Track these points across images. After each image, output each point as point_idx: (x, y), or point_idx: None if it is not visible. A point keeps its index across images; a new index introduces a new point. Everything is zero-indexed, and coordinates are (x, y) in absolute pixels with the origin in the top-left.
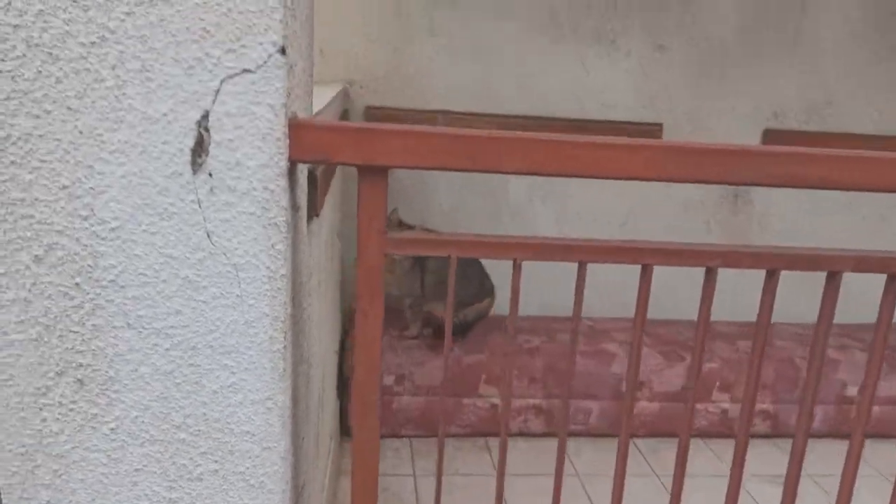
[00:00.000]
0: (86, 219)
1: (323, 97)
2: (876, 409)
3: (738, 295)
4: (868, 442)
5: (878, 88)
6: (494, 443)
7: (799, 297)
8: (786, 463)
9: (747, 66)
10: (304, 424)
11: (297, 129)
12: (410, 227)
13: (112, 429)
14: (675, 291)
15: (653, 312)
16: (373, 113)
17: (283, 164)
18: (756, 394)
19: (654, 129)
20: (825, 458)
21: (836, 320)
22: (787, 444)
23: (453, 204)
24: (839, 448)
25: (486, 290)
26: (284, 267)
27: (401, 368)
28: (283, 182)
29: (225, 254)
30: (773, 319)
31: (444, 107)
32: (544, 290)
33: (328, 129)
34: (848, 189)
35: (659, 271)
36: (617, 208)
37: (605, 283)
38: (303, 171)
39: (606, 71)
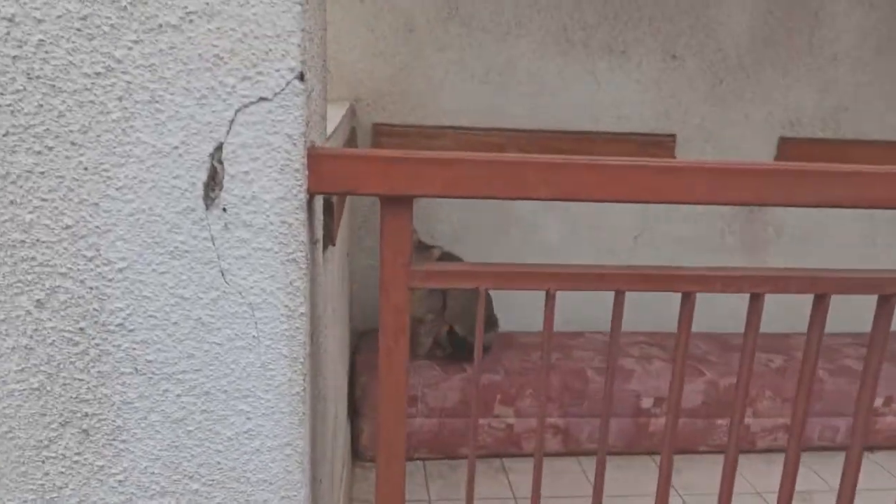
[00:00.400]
0: (91, 259)
1: (332, 118)
2: None
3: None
4: None
5: (894, 93)
6: (511, 464)
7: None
8: (808, 478)
9: (761, 74)
10: (320, 466)
11: (317, 160)
12: (430, 248)
13: (120, 481)
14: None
15: (666, 324)
16: (380, 130)
17: (302, 196)
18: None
19: (667, 141)
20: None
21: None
22: (809, 456)
23: (459, 217)
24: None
25: (492, 321)
26: (304, 305)
27: (413, 390)
28: (302, 215)
29: (240, 293)
30: (797, 329)
31: (454, 123)
32: (560, 303)
33: (350, 159)
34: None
35: None
36: (629, 219)
37: None
38: (318, 199)
39: (619, 83)
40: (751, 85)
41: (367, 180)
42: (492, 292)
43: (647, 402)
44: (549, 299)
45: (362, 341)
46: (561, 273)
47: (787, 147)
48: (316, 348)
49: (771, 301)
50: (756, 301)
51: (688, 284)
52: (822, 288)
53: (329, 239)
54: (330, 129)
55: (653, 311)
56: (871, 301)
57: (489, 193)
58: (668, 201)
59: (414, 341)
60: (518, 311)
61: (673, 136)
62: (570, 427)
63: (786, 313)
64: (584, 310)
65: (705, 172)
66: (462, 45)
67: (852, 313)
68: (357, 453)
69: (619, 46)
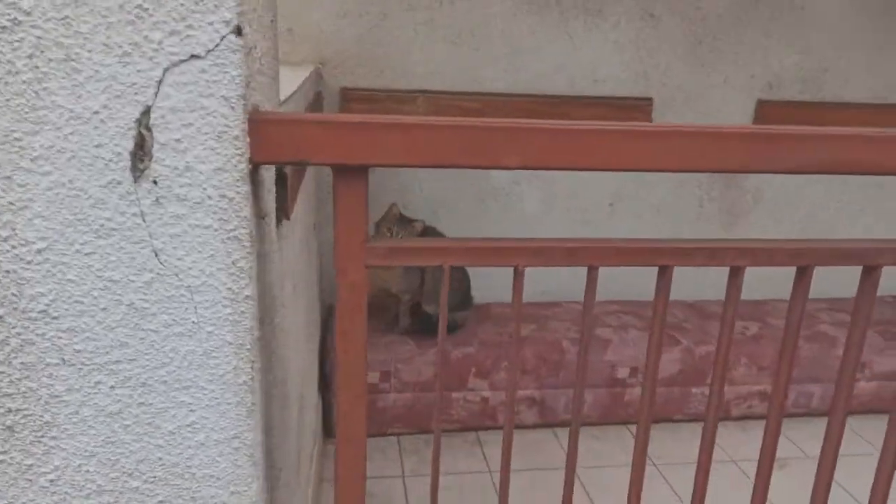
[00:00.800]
0: (6, 240)
1: (291, 82)
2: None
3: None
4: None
5: (875, 55)
6: (486, 437)
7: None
8: (783, 445)
9: (742, 35)
10: (280, 455)
11: (260, 126)
12: (412, 222)
13: (51, 480)
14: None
15: (643, 292)
16: (348, 95)
17: (243, 167)
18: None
19: (643, 105)
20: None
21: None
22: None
23: (434, 189)
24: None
25: (468, 301)
26: (249, 286)
27: (386, 365)
28: (244, 188)
29: (177, 274)
30: (770, 296)
31: (425, 86)
32: (534, 274)
33: (298, 124)
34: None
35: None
36: (605, 187)
37: None
38: (269, 169)
39: (595, 44)
40: (731, 46)
41: (317, 148)
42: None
43: (622, 373)
44: (518, 276)
45: (333, 316)
46: (530, 248)
47: (766, 110)
48: (270, 331)
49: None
50: (736, 275)
51: (666, 258)
52: (806, 260)
53: (283, 213)
54: (288, 93)
55: (627, 280)
56: (847, 268)
57: (453, 162)
58: (642, 169)
59: (392, 319)
60: (493, 280)
61: (650, 99)
62: (546, 398)
63: (760, 281)
64: (560, 279)
65: (674, 137)
66: (431, 4)
67: (828, 279)
68: (329, 430)
69: (595, 5)
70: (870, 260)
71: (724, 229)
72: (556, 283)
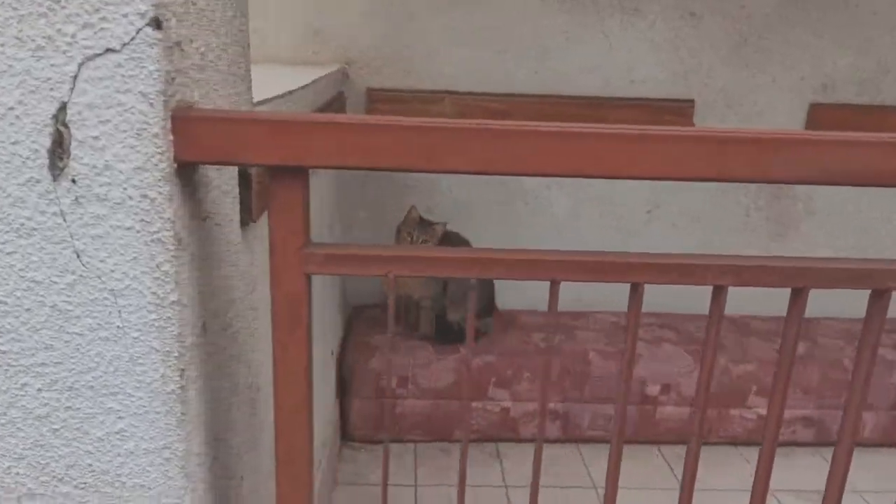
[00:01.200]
0: None
1: (297, 81)
2: None
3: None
4: None
5: None
6: (505, 449)
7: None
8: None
9: (790, 34)
10: (246, 462)
11: (185, 123)
12: (432, 225)
13: None
14: None
15: (681, 306)
16: (374, 96)
17: (165, 166)
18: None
19: (684, 107)
20: (875, 470)
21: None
22: (831, 452)
23: (463, 192)
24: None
25: (490, 307)
26: (175, 292)
27: (404, 370)
28: (168, 188)
29: (100, 277)
30: (819, 314)
31: (452, 87)
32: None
33: (227, 122)
34: None
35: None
36: (641, 193)
37: None
38: (219, 169)
39: (632, 43)
40: (778, 45)
41: (247, 148)
42: None
43: (653, 389)
44: (472, 289)
45: (354, 318)
46: (480, 258)
47: (819, 113)
48: (230, 334)
49: None
50: (719, 295)
51: (637, 274)
52: (800, 281)
53: (248, 215)
54: (281, 92)
55: (668, 290)
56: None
57: (392, 164)
58: (595, 175)
59: (413, 323)
60: (523, 287)
61: (691, 101)
62: (571, 412)
63: (812, 297)
64: (596, 287)
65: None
66: (459, 3)
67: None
68: (347, 435)
69: (632, 3)
70: (879, 283)
71: (773, 241)
72: (591, 292)
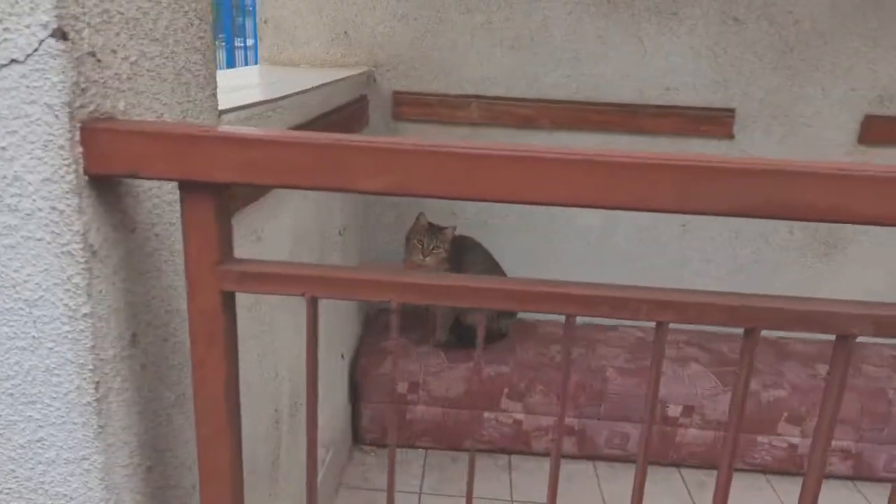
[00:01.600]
0: None
1: (315, 82)
2: None
3: None
4: None
5: None
6: (517, 462)
7: None
8: None
9: (840, 42)
10: (188, 473)
11: (94, 135)
12: (442, 229)
13: None
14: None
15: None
16: (400, 99)
17: (73, 178)
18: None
19: (724, 116)
20: None
21: None
22: (871, 488)
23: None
24: None
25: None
26: (87, 304)
27: (414, 376)
28: (76, 201)
29: (14, 287)
30: (868, 339)
31: (480, 92)
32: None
33: (129, 135)
34: None
35: (725, 276)
36: None
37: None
38: (124, 182)
39: (668, 49)
40: (828, 54)
41: (149, 161)
42: (526, 267)
43: (674, 411)
44: (394, 312)
45: (372, 322)
46: (399, 282)
47: (874, 126)
48: (162, 348)
49: None
50: (660, 330)
51: (572, 306)
52: (747, 321)
53: None
54: (271, 98)
55: None
56: None
57: (306, 182)
58: (512, 200)
59: (430, 331)
60: None
61: (732, 110)
62: (586, 429)
63: None
64: None
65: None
66: (490, 7)
67: None
68: (358, 438)
69: (670, 7)
70: (840, 328)
71: (818, 261)
72: None
